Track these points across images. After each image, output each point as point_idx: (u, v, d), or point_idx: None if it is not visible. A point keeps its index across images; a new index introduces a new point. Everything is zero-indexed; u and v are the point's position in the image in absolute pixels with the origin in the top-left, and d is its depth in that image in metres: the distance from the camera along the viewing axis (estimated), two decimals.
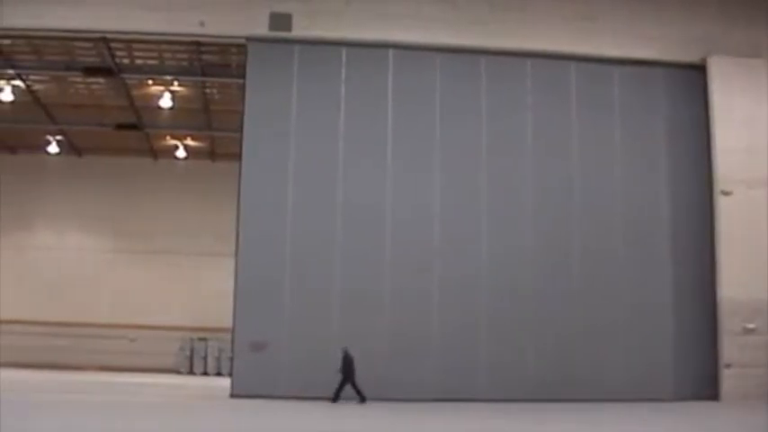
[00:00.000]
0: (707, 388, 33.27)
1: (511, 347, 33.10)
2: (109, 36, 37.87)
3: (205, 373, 55.28)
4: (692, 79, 35.60)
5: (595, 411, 28.16)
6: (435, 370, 32.39)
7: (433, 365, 32.43)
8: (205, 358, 55.98)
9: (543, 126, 34.72)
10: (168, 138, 54.68)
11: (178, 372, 55.05)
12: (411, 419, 24.02)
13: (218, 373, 53.49)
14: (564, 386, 32.60)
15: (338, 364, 30.39)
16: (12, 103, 46.77)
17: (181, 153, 56.05)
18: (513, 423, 24.21)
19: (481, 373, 32.73)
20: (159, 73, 44.22)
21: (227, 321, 33.35)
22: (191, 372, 55.70)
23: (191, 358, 56.21)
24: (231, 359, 33.51)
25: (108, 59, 41.92)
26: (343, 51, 34.35)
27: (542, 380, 32.72)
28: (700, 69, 35.59)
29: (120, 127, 51.28)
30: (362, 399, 29.91)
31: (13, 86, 45.60)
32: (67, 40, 39.73)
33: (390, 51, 34.47)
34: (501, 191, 34.17)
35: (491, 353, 32.85)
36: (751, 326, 33.36)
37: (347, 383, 30.13)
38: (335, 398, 29.85)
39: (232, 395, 31.35)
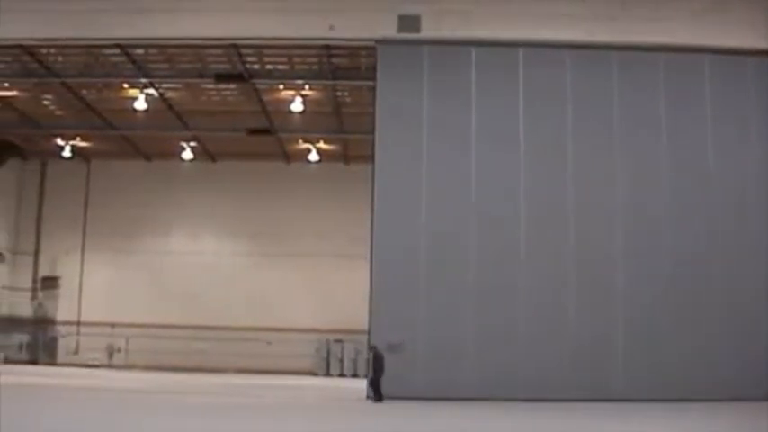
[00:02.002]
0: None
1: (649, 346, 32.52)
2: (239, 43, 38.25)
3: (341, 375, 55.61)
4: None
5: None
6: (574, 368, 32.03)
7: (570, 364, 32.08)
8: (341, 360, 56.34)
9: (677, 121, 34.01)
10: (300, 141, 55.05)
11: (314, 374, 55.50)
12: (544, 419, 23.66)
13: (355, 375, 53.73)
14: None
15: (473, 363, 30.29)
16: (146, 111, 47.67)
17: (313, 156, 56.35)
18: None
19: (617, 372, 32.23)
20: (290, 77, 44.45)
21: (363, 323, 33.36)
22: (327, 373, 56.10)
23: (327, 360, 56.64)
24: (368, 360, 33.55)
25: (239, 66, 42.35)
26: (473, 51, 34.10)
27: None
28: None
29: (253, 132, 51.84)
30: (380, 397, 29.75)
31: (147, 95, 46.41)
32: (199, 47, 40.32)
33: (520, 50, 34.16)
34: (637, 187, 33.59)
35: (628, 351, 32.28)
36: None
37: (379, 380, 30.00)
38: (377, 396, 29.87)
39: (368, 397, 31.38)
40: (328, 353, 56.74)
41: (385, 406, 28.39)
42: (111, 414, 21.10)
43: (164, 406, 25.00)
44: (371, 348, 31.04)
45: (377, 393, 29.82)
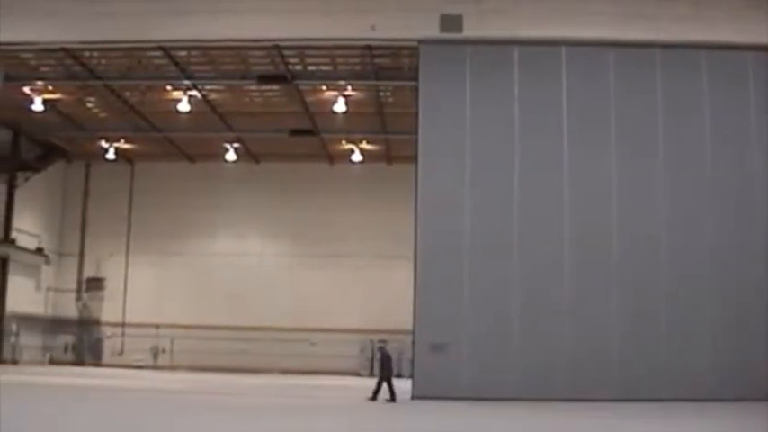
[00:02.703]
0: None
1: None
2: (282, 44, 38.29)
3: None
4: None
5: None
6: (619, 368, 31.80)
7: (615, 364, 31.86)
8: None
9: (722, 120, 33.65)
10: (343, 142, 55.03)
11: (359, 374, 55.47)
12: (595, 418, 23.45)
13: (399, 375, 53.64)
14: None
15: (516, 363, 30.17)
16: (189, 112, 47.84)
17: (356, 157, 56.28)
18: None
19: (662, 371, 31.98)
20: (332, 78, 44.48)
21: (407, 323, 33.26)
22: (371, 374, 56.04)
23: (371, 360, 56.58)
24: (411, 361, 33.45)
25: (281, 67, 42.42)
26: (515, 50, 33.89)
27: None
28: None
29: (296, 133, 52.00)
30: (393, 398, 29.38)
31: (190, 97, 46.59)
32: (241, 49, 40.40)
33: (563, 49, 33.95)
34: (681, 186, 33.30)
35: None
36: None
37: (384, 380, 29.69)
38: (392, 396, 29.49)
39: (413, 397, 31.27)
40: (372, 353, 56.67)
41: (429, 405, 28.28)
42: (157, 414, 21.13)
43: (212, 406, 25.03)
44: (380, 348, 30.83)
45: (391, 394, 29.30)
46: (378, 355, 30.52)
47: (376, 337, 55.86)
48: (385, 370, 29.73)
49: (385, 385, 29.07)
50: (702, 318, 32.07)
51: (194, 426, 18.73)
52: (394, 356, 54.05)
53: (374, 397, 28.96)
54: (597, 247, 32.63)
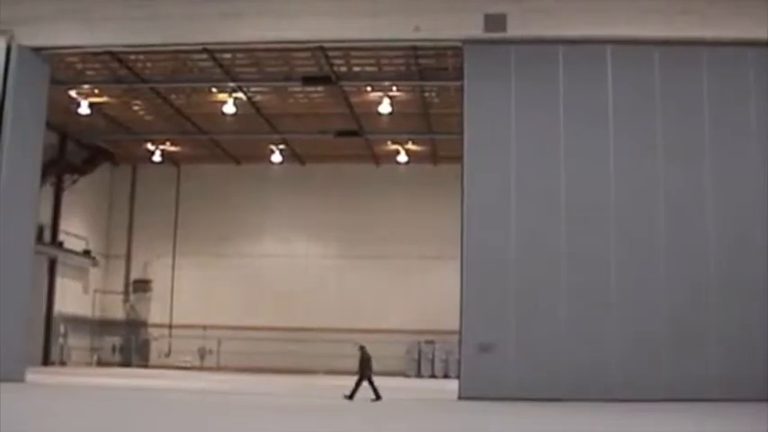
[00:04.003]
0: None
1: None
2: (326, 45, 38.28)
3: (433, 376, 55.55)
4: None
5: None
6: (668, 367, 31.53)
7: (665, 363, 31.59)
8: (432, 361, 56.30)
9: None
10: (389, 143, 55.03)
11: (406, 375, 55.47)
12: (640, 421, 23.25)
13: (446, 376, 53.63)
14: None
15: (564, 363, 30.04)
16: (234, 114, 48.05)
17: (402, 158, 56.23)
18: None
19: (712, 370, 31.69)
20: (377, 79, 44.45)
21: (454, 324, 33.12)
22: (418, 374, 56.08)
23: (418, 361, 56.64)
24: (459, 361, 33.37)
25: (326, 68, 42.46)
26: (560, 49, 33.65)
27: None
28: None
29: (341, 134, 52.04)
30: (377, 396, 29.24)
31: (235, 99, 46.76)
32: (286, 51, 40.45)
33: (608, 48, 33.70)
34: (728, 187, 32.95)
35: None
36: None
37: (363, 381, 29.62)
38: (376, 395, 29.38)
39: (460, 397, 31.15)
40: (419, 354, 56.75)
41: (479, 405, 28.18)
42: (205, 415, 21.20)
43: (256, 407, 25.07)
44: (360, 349, 30.84)
45: (375, 393, 29.25)
46: (374, 356, 30.41)
47: (422, 338, 56.16)
48: (366, 370, 29.69)
49: (367, 385, 29.18)
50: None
51: (236, 426, 18.73)
52: (442, 357, 54.62)
53: (351, 396, 28.96)
54: (644, 245, 32.37)
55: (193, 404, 26.21)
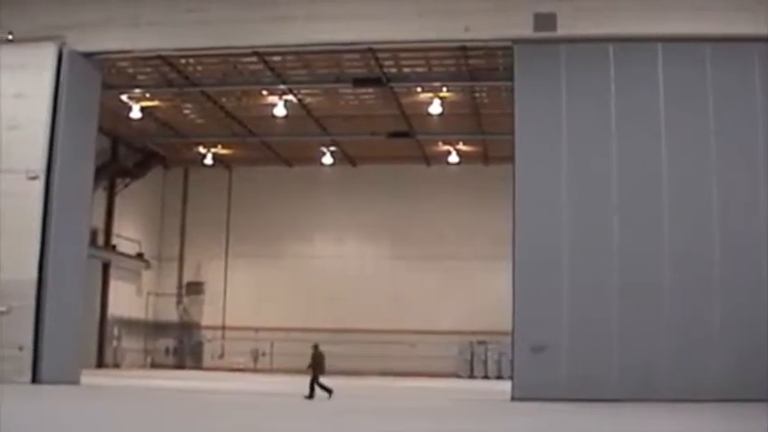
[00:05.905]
0: None
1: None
2: (376, 47, 38.30)
3: (485, 377, 55.43)
4: None
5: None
6: (719, 368, 31.21)
7: (716, 364, 31.29)
8: (485, 362, 56.19)
9: None
10: (440, 143, 54.98)
11: (458, 376, 55.40)
12: (696, 419, 22.99)
13: (499, 377, 53.49)
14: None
15: (616, 364, 29.89)
16: (285, 117, 48.18)
17: (453, 158, 56.16)
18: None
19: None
20: (427, 80, 44.34)
21: (506, 324, 33.00)
22: (471, 375, 55.97)
23: (471, 362, 56.52)
24: (512, 362, 33.25)
25: (376, 69, 42.45)
26: (610, 48, 33.44)
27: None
28: None
29: (392, 135, 52.07)
30: (311, 395, 28.93)
31: (286, 101, 46.88)
32: (336, 53, 40.44)
33: (659, 45, 33.43)
34: None
35: None
36: None
37: (317, 379, 29.59)
38: (328, 392, 29.33)
39: (513, 398, 31.09)
40: (472, 355, 56.63)
41: (532, 406, 28.04)
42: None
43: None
44: (313, 347, 30.92)
45: (326, 390, 29.19)
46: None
47: (475, 339, 56.03)
48: (317, 368, 29.81)
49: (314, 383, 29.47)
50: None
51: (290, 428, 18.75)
52: (495, 357, 54.49)
53: (311, 395, 29.11)
54: (698, 245, 32.07)
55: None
